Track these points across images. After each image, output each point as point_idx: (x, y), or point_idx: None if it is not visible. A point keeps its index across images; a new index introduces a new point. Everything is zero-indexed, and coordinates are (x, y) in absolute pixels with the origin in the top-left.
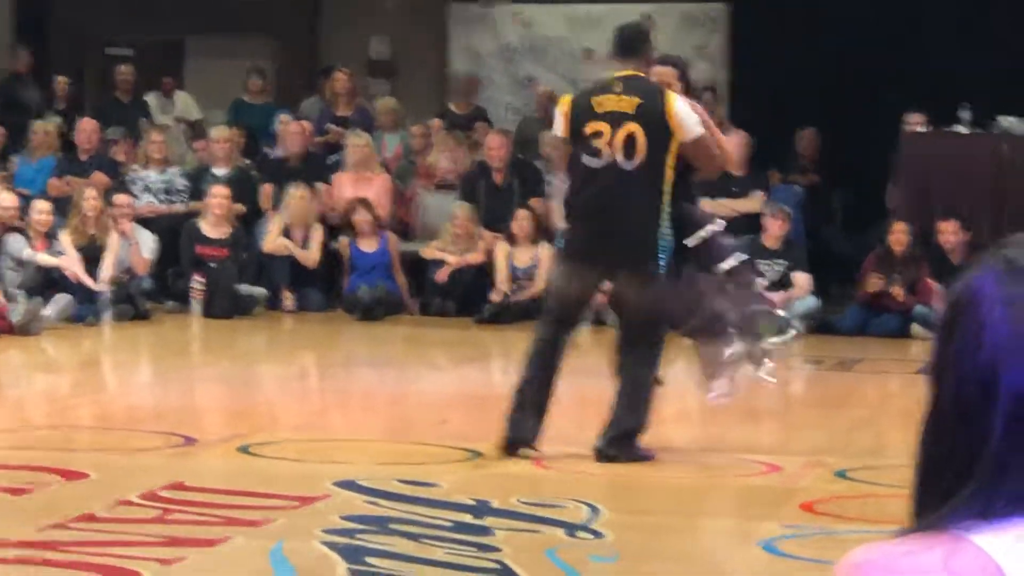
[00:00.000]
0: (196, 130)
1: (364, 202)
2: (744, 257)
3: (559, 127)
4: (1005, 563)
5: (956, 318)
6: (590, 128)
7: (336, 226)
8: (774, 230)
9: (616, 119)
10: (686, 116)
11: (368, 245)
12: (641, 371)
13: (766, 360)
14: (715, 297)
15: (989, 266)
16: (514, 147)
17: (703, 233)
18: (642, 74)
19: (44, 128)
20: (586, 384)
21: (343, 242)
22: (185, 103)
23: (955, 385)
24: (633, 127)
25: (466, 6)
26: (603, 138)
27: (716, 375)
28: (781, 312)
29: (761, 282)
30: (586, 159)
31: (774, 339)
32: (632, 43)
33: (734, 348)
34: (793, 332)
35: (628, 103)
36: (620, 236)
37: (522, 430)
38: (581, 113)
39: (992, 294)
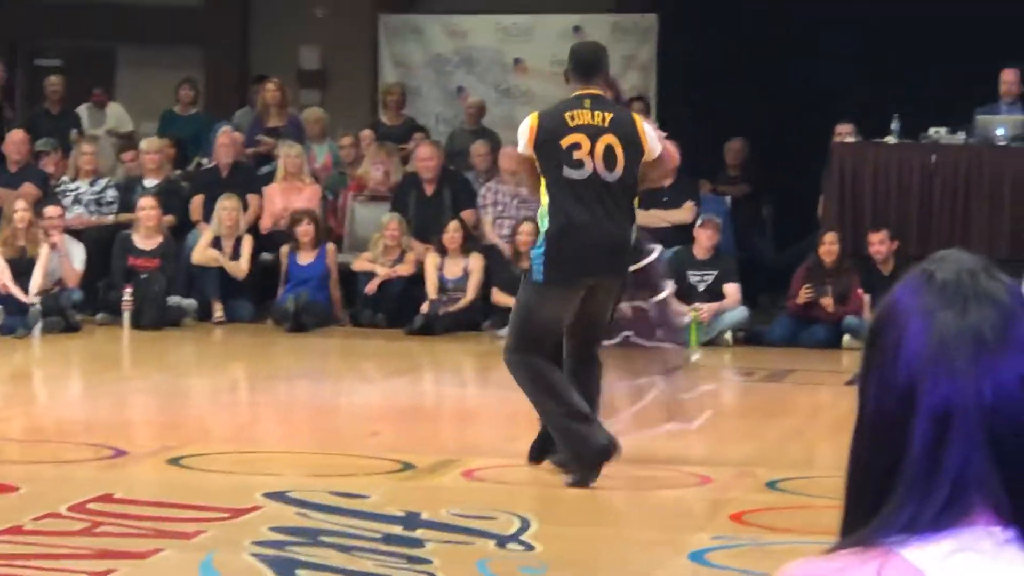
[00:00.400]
0: (127, 142)
1: (310, 213)
2: (671, 286)
3: (524, 142)
4: None
5: (878, 332)
6: (567, 140)
7: (267, 236)
8: (704, 240)
9: (593, 131)
10: (650, 134)
11: (306, 257)
12: (600, 377)
13: (703, 412)
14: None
15: (910, 280)
16: (445, 158)
17: (648, 259)
18: (603, 93)
19: None
20: (513, 396)
21: (283, 252)
22: (117, 115)
23: (877, 398)
24: (611, 139)
25: (396, 16)
26: (582, 150)
27: (617, 411)
28: (693, 355)
29: (682, 318)
30: (568, 171)
31: (703, 387)
32: (593, 64)
33: (656, 390)
34: (708, 387)
35: (601, 117)
36: (606, 247)
37: (604, 435)
38: (553, 127)
39: (912, 308)
